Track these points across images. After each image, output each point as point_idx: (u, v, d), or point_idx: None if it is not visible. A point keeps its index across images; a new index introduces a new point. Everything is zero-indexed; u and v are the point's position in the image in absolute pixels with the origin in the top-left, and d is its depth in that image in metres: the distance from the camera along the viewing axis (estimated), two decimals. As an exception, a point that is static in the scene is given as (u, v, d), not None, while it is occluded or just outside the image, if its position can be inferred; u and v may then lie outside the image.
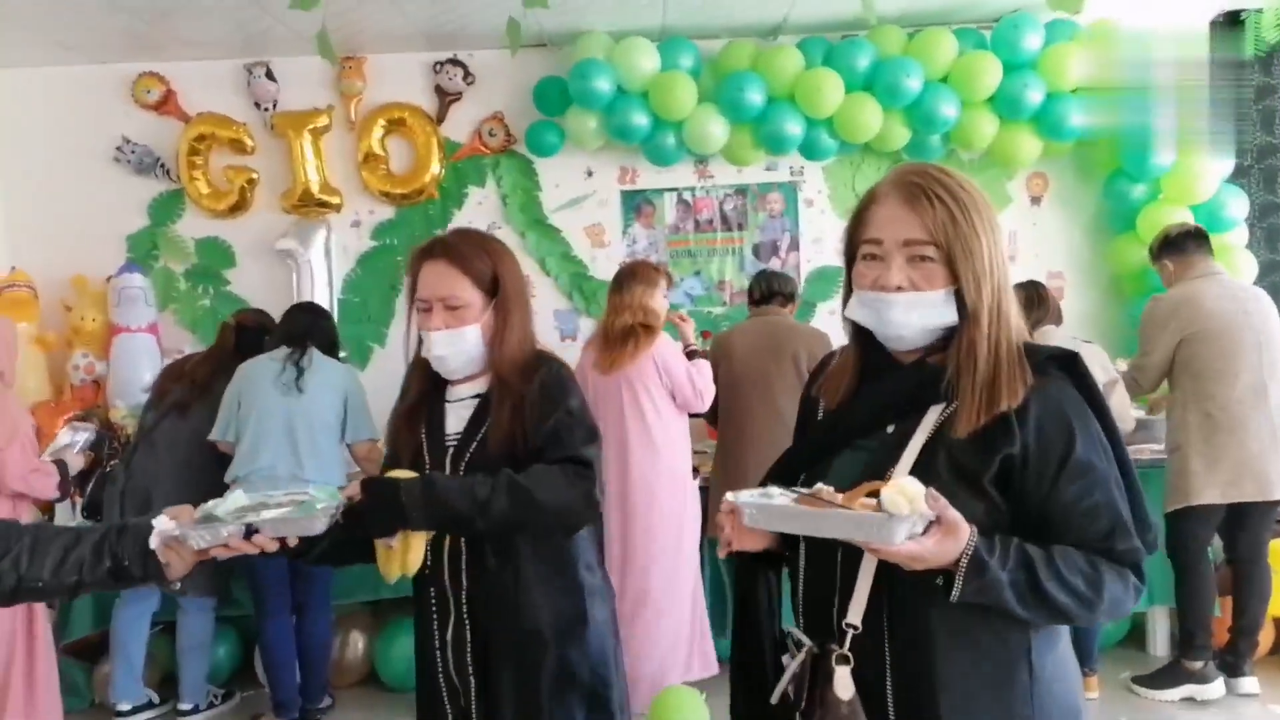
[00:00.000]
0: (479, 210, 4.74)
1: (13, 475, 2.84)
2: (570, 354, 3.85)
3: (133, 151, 4.61)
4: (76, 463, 3.27)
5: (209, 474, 3.23)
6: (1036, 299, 3.39)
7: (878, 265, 1.23)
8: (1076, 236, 4.73)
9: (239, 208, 4.64)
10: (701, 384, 3.33)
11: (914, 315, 1.21)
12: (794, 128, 4.30)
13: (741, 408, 3.41)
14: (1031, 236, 4.73)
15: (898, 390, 1.26)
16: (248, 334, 3.54)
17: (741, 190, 4.77)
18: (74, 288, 4.53)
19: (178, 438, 3.37)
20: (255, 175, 4.63)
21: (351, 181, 4.69)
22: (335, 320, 3.75)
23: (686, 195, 4.77)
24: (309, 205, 4.62)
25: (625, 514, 3.28)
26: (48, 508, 3.49)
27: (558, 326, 4.80)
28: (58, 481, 3.01)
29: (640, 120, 4.31)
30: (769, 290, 3.61)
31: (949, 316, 1.21)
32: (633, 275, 3.44)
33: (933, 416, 1.21)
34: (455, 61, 4.62)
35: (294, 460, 3.16)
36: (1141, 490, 1.21)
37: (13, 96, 4.58)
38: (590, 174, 4.73)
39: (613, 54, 4.29)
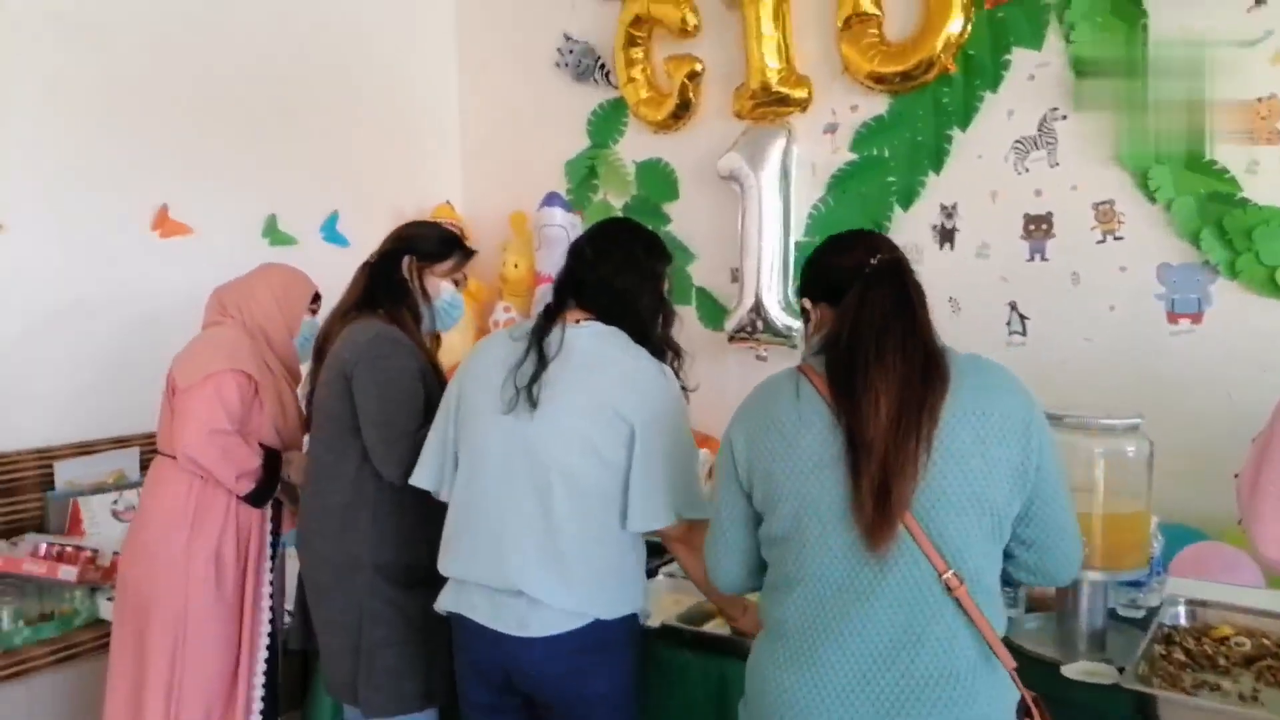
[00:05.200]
0: (1028, 90, 2.74)
1: (190, 434, 2.00)
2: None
3: (571, 51, 3.66)
4: None
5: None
6: None
7: None
8: None
9: (680, 115, 3.38)
10: None
11: None
12: None
13: None
14: None
15: None
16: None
17: None
18: (511, 227, 3.79)
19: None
20: (699, 66, 3.32)
21: (827, 64, 3.09)
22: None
23: None
24: (766, 104, 3.16)
25: None
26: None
27: (1166, 294, 2.57)
28: (253, 470, 2.07)
29: None
30: None
31: None
32: None
33: None
34: None
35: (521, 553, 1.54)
36: None
37: None
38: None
39: None
